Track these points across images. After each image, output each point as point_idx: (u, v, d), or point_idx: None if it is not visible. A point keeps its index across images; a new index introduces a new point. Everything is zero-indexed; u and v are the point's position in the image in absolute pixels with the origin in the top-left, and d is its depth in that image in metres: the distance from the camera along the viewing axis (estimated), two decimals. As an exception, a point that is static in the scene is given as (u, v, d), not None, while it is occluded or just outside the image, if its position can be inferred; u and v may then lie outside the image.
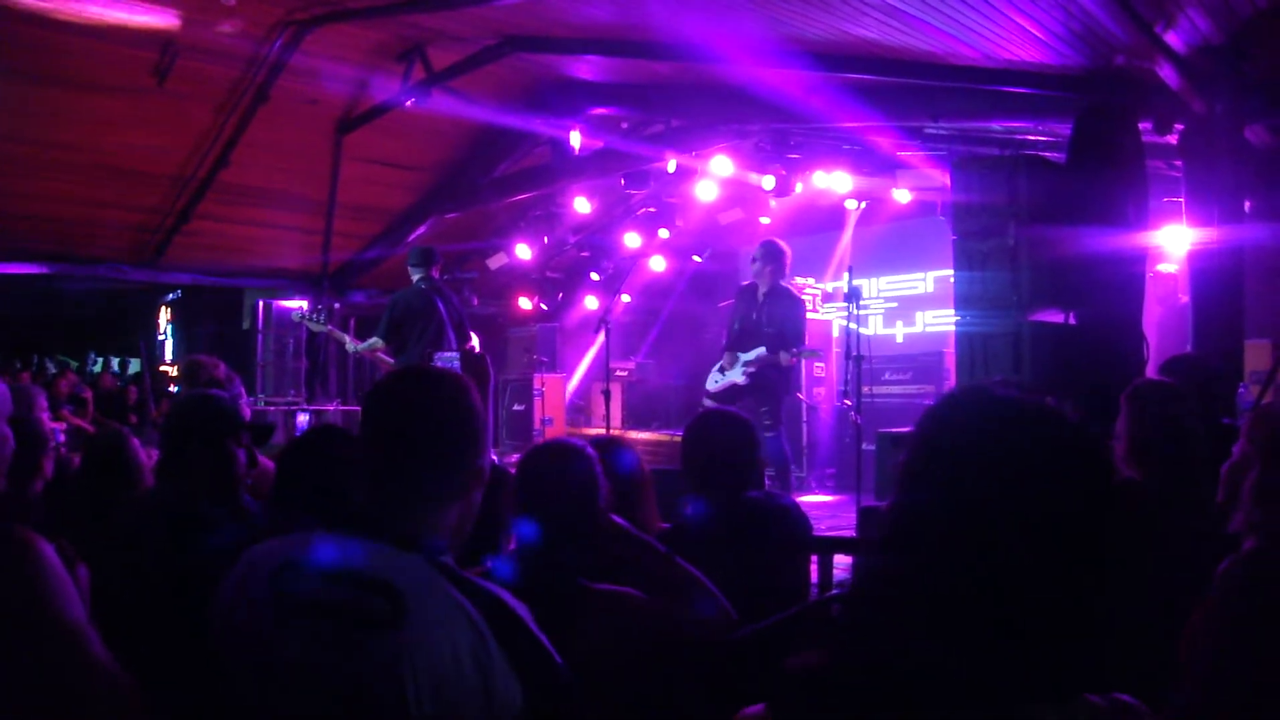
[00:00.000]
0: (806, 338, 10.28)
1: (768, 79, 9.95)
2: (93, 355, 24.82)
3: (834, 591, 4.27)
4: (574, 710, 2.02)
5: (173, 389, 18.48)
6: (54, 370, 18.81)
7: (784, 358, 9.79)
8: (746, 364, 9.92)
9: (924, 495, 1.35)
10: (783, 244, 10.27)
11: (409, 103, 11.06)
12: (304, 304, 14.70)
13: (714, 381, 10.21)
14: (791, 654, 1.39)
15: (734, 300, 10.55)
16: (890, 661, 1.27)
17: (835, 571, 4.54)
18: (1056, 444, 1.33)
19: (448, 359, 9.32)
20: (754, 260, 10.30)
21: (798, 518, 4.01)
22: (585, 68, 11.45)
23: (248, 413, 4.82)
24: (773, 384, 9.84)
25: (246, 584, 2.06)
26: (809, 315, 12.62)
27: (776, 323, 9.97)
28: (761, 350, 9.83)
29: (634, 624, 2.79)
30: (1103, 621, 1.28)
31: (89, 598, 2.08)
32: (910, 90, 9.31)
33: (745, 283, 10.52)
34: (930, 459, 1.38)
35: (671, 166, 12.46)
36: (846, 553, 4.48)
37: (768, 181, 11.88)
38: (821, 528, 6.64)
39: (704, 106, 11.19)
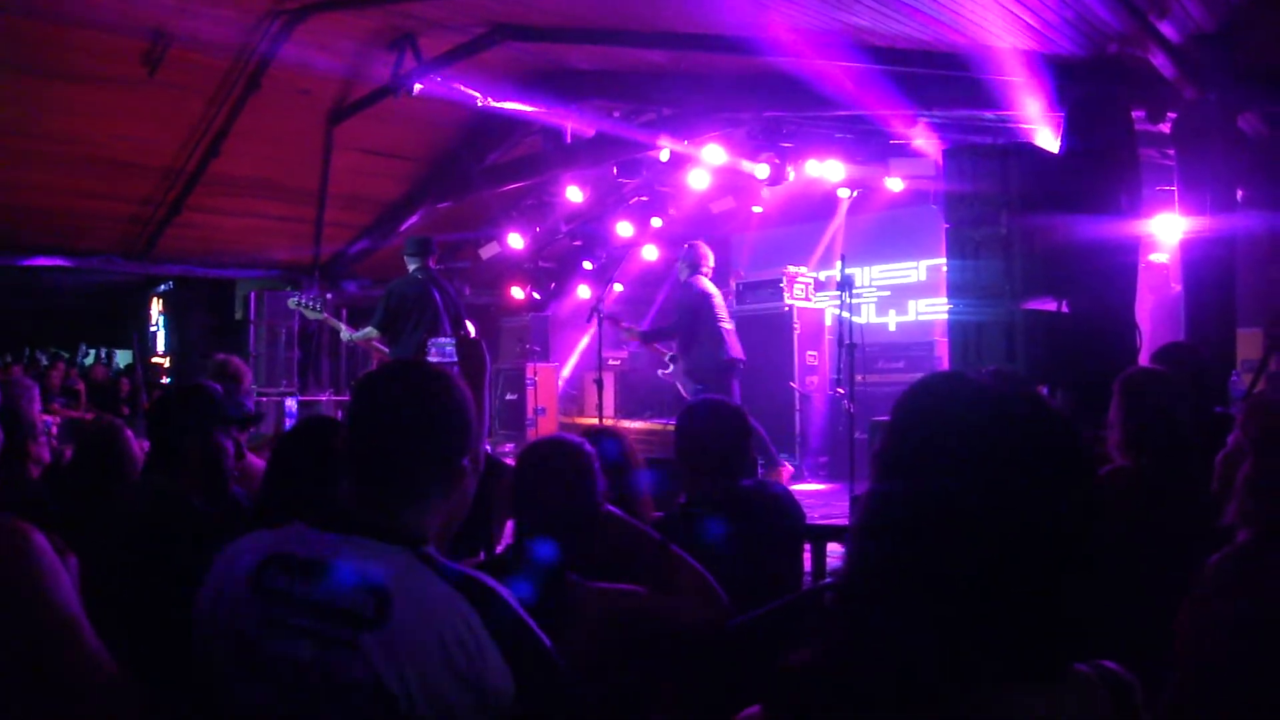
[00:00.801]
0: (692, 329, 10.31)
1: (760, 67, 9.94)
2: (84, 347, 24.76)
3: (827, 580, 4.27)
4: (567, 697, 2.01)
5: (165, 380, 18.44)
6: (45, 362, 18.74)
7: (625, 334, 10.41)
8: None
9: (901, 483, 1.34)
10: (703, 246, 10.52)
11: (402, 91, 11.02)
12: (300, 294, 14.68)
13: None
14: (786, 643, 1.38)
15: None
16: (876, 654, 1.26)
17: (829, 560, 4.56)
18: (1029, 428, 1.32)
19: (442, 344, 9.28)
20: (679, 260, 10.45)
21: (790, 506, 4.01)
22: (577, 56, 11.43)
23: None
24: (698, 386, 9.84)
25: (229, 578, 2.05)
26: (800, 304, 12.67)
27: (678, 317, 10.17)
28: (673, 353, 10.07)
29: (630, 621, 2.79)
30: (1088, 603, 1.28)
31: (79, 588, 2.07)
32: (903, 78, 9.28)
33: None
34: (905, 445, 1.37)
35: (665, 155, 12.46)
36: (839, 541, 4.49)
37: (761, 170, 11.87)
38: (814, 516, 6.65)
39: (696, 94, 11.16)
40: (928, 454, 1.32)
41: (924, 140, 11.04)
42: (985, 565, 1.24)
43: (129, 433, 4.39)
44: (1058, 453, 1.31)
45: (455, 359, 9.09)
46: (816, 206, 15.31)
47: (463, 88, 11.11)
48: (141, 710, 2.00)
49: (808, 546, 4.43)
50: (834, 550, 4.66)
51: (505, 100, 11.56)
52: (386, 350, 9.77)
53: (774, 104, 10.81)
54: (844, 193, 14.37)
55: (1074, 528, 1.28)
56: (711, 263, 10.47)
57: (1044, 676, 1.25)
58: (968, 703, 1.22)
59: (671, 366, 10.24)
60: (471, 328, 10.04)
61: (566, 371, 17.35)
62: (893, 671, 1.24)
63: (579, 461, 3.02)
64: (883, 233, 15.16)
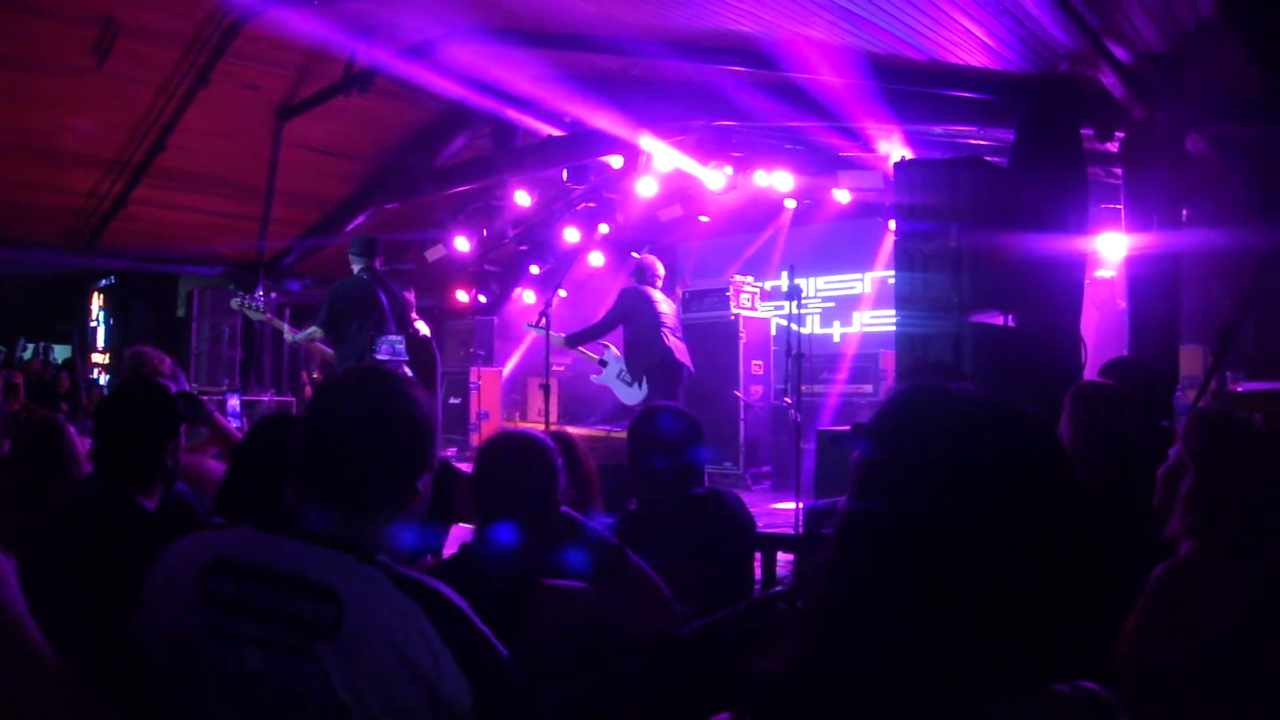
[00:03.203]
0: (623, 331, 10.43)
1: (712, 76, 9.96)
2: (23, 341, 24.39)
3: (778, 588, 4.28)
4: (523, 704, 2.00)
5: (105, 377, 18.19)
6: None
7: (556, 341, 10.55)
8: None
9: (885, 494, 1.33)
10: (652, 260, 10.69)
11: (353, 89, 10.96)
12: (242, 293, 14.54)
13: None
14: (738, 650, 1.38)
15: None
16: (856, 663, 1.26)
17: (778, 568, 4.57)
18: (1019, 441, 1.32)
19: (392, 342, 9.16)
20: (629, 275, 10.66)
21: (742, 514, 4.02)
22: (529, 59, 11.38)
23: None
24: (638, 388, 9.92)
25: (171, 582, 2.00)
26: (746, 313, 12.71)
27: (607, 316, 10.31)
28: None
29: (584, 620, 2.78)
30: (1067, 615, 1.28)
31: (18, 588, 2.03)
32: (855, 91, 9.31)
33: None
34: (889, 457, 1.35)
35: (617, 162, 12.44)
36: (790, 550, 4.51)
37: (715, 182, 11.87)
38: (759, 525, 6.65)
39: (645, 102, 11.15)
40: (913, 465, 1.31)
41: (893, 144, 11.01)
42: (970, 576, 1.23)
43: (71, 429, 4.32)
44: (1046, 463, 1.31)
45: (405, 357, 9.05)
46: (764, 216, 15.36)
47: (415, 86, 11.07)
48: (86, 710, 1.97)
49: (758, 555, 4.44)
50: (783, 559, 4.68)
51: (456, 100, 11.52)
52: (330, 351, 9.63)
53: (724, 113, 10.82)
54: (790, 203, 14.41)
55: (1060, 538, 1.28)
56: (661, 273, 10.51)
57: (1022, 690, 1.25)
58: (946, 715, 1.22)
59: (603, 371, 10.30)
60: (424, 327, 9.97)
61: (505, 372, 17.25)
62: (871, 683, 1.23)
63: (545, 457, 3.01)
64: (829, 244, 15.22)
